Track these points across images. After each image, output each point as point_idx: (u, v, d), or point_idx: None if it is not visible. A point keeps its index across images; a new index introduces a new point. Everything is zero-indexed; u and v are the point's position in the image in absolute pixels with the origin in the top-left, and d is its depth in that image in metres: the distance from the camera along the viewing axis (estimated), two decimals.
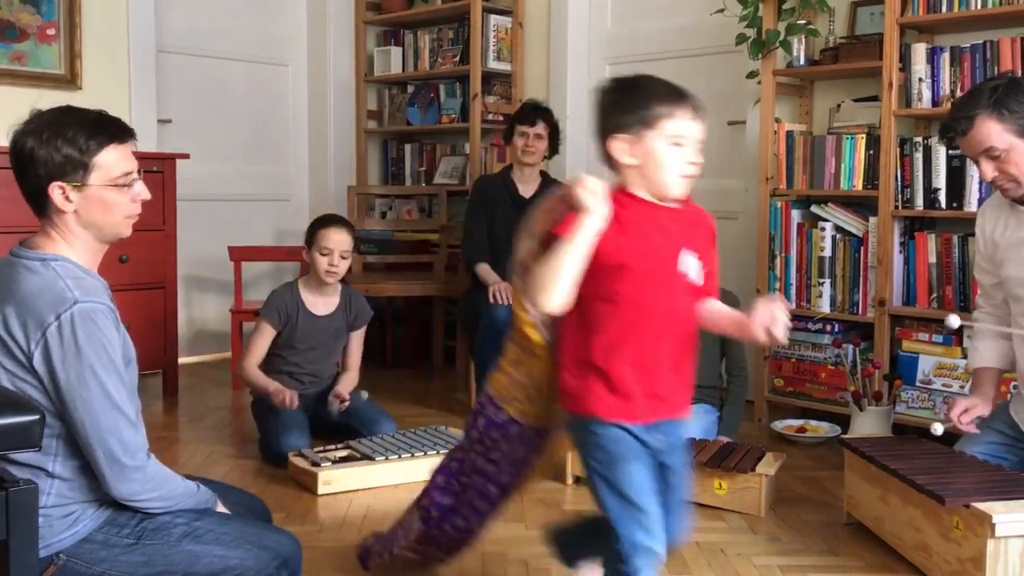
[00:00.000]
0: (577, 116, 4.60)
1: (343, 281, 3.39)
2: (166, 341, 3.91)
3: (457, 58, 4.78)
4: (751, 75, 3.65)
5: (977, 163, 2.23)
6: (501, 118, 4.66)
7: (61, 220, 1.74)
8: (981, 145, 2.17)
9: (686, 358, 1.72)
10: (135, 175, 1.78)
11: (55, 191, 1.71)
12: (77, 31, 4.05)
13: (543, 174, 3.89)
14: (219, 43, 4.81)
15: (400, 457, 2.87)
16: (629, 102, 1.65)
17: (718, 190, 4.14)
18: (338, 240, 3.19)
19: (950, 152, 3.18)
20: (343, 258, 3.21)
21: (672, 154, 1.65)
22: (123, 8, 4.23)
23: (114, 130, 1.76)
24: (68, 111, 1.75)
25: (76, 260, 1.74)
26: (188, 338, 4.61)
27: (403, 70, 5.03)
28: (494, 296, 3.51)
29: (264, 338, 3.24)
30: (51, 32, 4.01)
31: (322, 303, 3.30)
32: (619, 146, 1.66)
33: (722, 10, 3.63)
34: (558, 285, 1.61)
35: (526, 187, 3.82)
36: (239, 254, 4.32)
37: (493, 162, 4.66)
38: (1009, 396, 2.58)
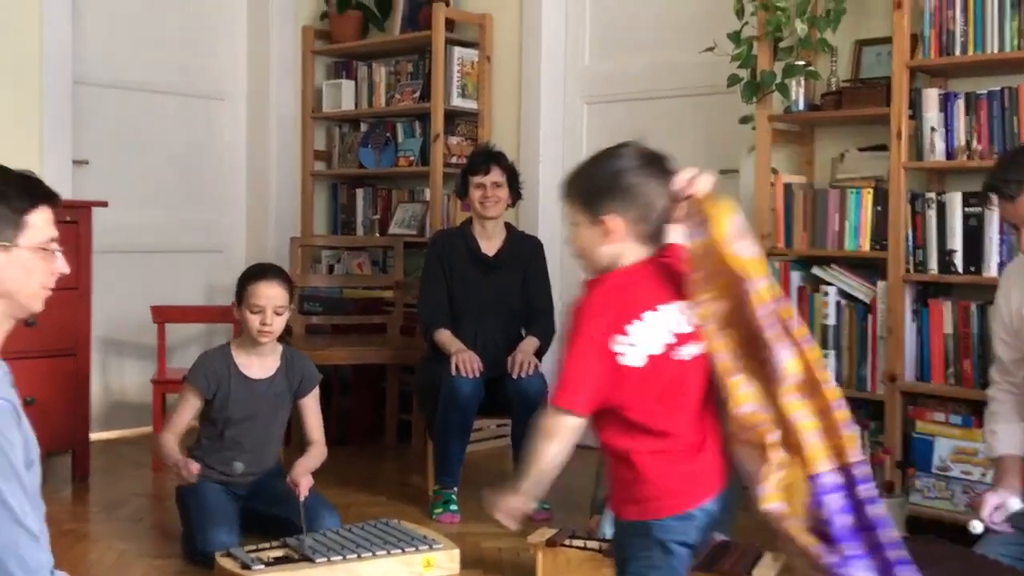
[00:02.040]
0: (551, 160, 4.61)
1: (284, 341, 3.33)
2: (77, 416, 3.82)
3: (417, 94, 4.79)
4: (744, 120, 3.68)
5: (1017, 230, 2.24)
6: (464, 161, 4.66)
7: None
8: None
9: None
10: (57, 245, 1.79)
11: None
12: None
13: (508, 227, 3.87)
14: (144, 74, 4.79)
15: (344, 558, 2.80)
16: None
17: None
18: (271, 295, 3.15)
19: (967, 210, 3.20)
20: (277, 314, 3.17)
21: None
22: (35, 33, 4.19)
23: (45, 191, 1.78)
24: None
25: None
26: (102, 411, 4.51)
27: (356, 106, 5.03)
28: (456, 367, 3.47)
29: (189, 407, 3.19)
30: None
31: (258, 365, 3.25)
32: None
33: (712, 48, 3.66)
34: None
35: (489, 243, 3.79)
36: (163, 315, 4.25)
37: (456, 210, 4.65)
38: None
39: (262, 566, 2.74)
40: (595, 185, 1.80)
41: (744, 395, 1.73)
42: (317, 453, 3.29)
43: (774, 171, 3.63)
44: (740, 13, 3.58)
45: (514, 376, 3.50)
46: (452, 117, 4.71)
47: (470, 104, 4.71)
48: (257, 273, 3.23)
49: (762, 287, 1.71)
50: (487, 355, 3.57)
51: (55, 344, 3.70)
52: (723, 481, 1.78)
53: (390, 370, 4.55)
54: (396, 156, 4.92)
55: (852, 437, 1.74)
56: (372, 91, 4.99)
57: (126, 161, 4.74)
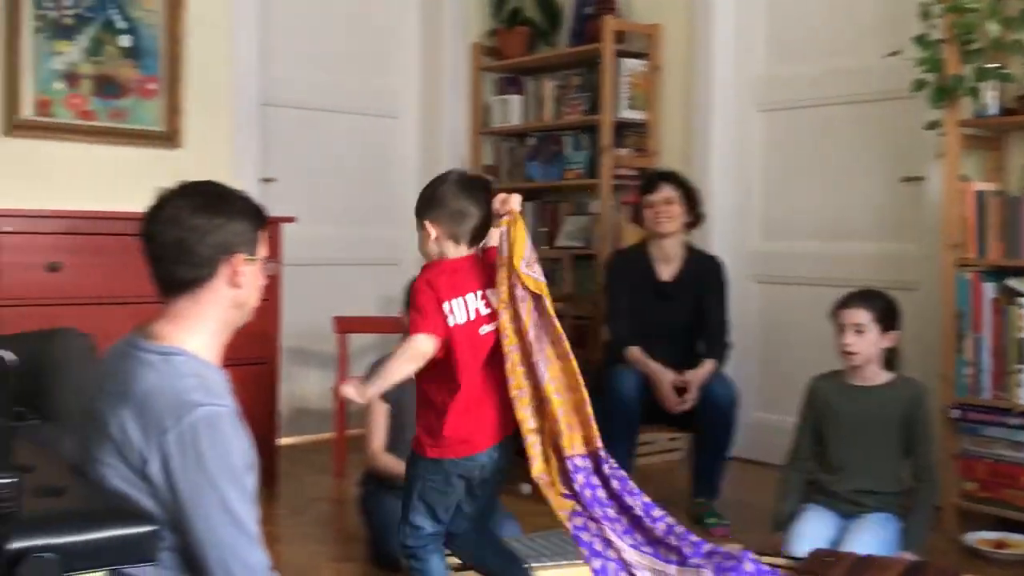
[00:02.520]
0: (722, 171, 4.56)
1: None
2: (267, 423, 3.98)
3: (585, 107, 4.82)
4: (931, 126, 3.56)
5: None
6: (634, 173, 4.66)
7: (213, 298, 1.82)
8: None
9: None
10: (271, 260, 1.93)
11: (229, 264, 1.81)
12: (179, 85, 4.25)
13: (688, 248, 3.80)
14: (325, 95, 4.99)
15: (530, 566, 2.83)
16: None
17: (890, 256, 4.03)
18: None
19: None
20: None
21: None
22: (226, 59, 4.43)
23: (262, 208, 1.91)
24: (224, 186, 1.88)
25: (199, 350, 1.81)
26: (287, 417, 4.70)
27: (524, 121, 5.10)
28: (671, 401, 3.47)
29: (381, 417, 3.28)
30: (152, 87, 4.22)
31: None
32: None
33: (897, 53, 3.56)
34: None
35: (667, 267, 3.75)
36: (345, 325, 4.40)
37: (624, 223, 4.65)
38: None
39: (451, 572, 2.79)
40: (422, 199, 2.40)
41: (517, 383, 2.28)
42: None
43: (964, 178, 3.49)
44: (926, 15, 3.46)
45: (674, 410, 3.48)
46: (620, 129, 4.72)
47: (638, 115, 4.71)
48: None
49: (549, 304, 2.31)
50: None
51: (249, 353, 3.86)
52: (501, 436, 2.34)
53: None
54: (564, 169, 4.96)
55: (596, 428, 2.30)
56: (540, 105, 5.05)
57: (309, 178, 4.93)
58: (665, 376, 3.51)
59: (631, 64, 4.68)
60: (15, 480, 1.21)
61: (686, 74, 4.64)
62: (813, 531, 2.96)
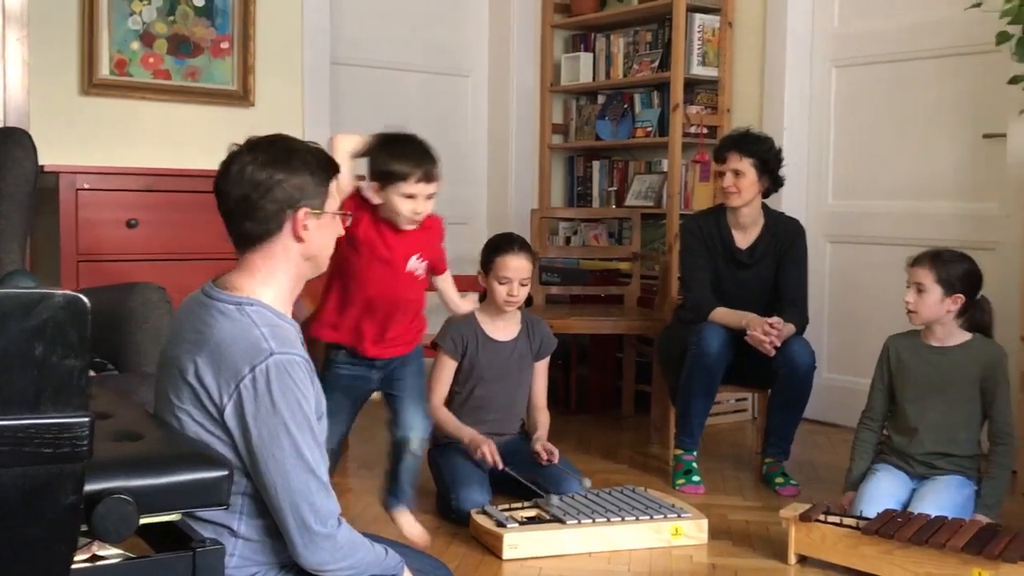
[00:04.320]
0: (796, 128, 4.48)
1: (523, 309, 3.42)
2: None
3: (656, 64, 4.76)
4: (1015, 80, 3.43)
5: None
6: (705, 131, 4.60)
7: (282, 251, 1.85)
8: None
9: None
10: (343, 211, 1.95)
11: (295, 217, 1.83)
12: (251, 44, 4.29)
13: (767, 211, 3.69)
14: (395, 53, 5.00)
15: (594, 521, 2.85)
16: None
17: (969, 215, 3.93)
18: (518, 267, 3.24)
19: None
20: (523, 285, 3.26)
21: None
22: (298, 18, 4.46)
23: (333, 162, 1.92)
24: (294, 139, 1.89)
25: (271, 302, 1.84)
26: None
27: (593, 78, 5.06)
28: (765, 335, 3.39)
29: (446, 371, 3.32)
30: (225, 46, 4.27)
31: (502, 329, 3.36)
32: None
33: (979, 4, 3.44)
34: None
35: (744, 235, 3.66)
36: None
37: (695, 182, 4.60)
38: None
39: (516, 524, 2.83)
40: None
41: None
42: (546, 420, 3.38)
43: None
44: None
45: (768, 348, 3.40)
46: (691, 86, 4.65)
47: (710, 72, 4.64)
48: (505, 245, 3.31)
49: None
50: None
51: None
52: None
53: (627, 340, 4.56)
54: (633, 127, 4.91)
55: None
56: (610, 63, 5.00)
57: None
58: (757, 317, 3.45)
59: (703, 19, 4.60)
60: (88, 419, 1.25)
61: (759, 29, 4.55)
62: (883, 491, 2.92)
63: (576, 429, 4.33)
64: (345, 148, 2.55)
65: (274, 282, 1.86)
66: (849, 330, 4.35)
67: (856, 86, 4.35)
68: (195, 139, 4.16)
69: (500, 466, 3.11)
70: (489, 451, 3.13)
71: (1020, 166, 3.53)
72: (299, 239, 1.84)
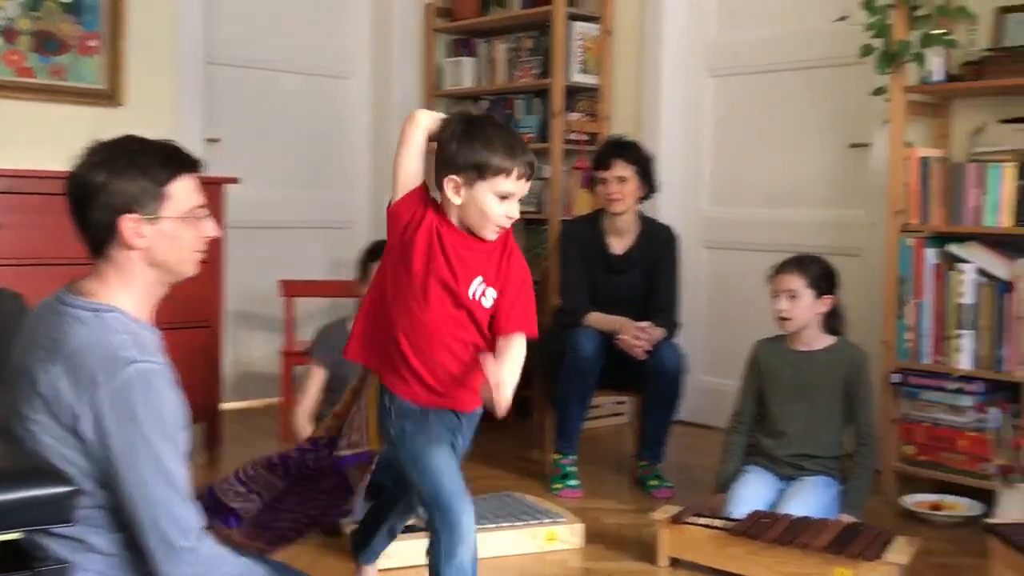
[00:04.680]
0: (674, 136, 4.56)
1: None
2: (209, 386, 3.95)
3: (537, 70, 4.79)
4: (878, 91, 3.57)
5: None
6: (586, 138, 4.64)
7: (124, 259, 1.78)
8: None
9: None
10: (205, 210, 1.85)
11: (126, 225, 1.75)
12: (121, 42, 4.16)
13: (642, 218, 3.76)
14: (273, 53, 4.91)
15: None
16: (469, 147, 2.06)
17: (837, 222, 4.06)
18: None
19: None
20: None
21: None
22: (172, 16, 4.34)
23: (185, 159, 1.82)
24: (133, 140, 1.81)
25: (129, 309, 1.78)
26: (232, 381, 4.66)
27: (476, 83, 5.06)
28: (636, 340, 3.45)
29: (315, 381, 3.26)
30: (93, 43, 4.13)
31: None
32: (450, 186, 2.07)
33: (845, 18, 3.56)
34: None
35: (619, 240, 3.72)
36: (291, 288, 4.36)
37: (575, 188, 4.63)
38: None
39: None
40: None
41: None
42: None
43: (908, 144, 3.51)
44: None
45: (639, 352, 3.45)
46: (572, 93, 4.69)
47: (591, 79, 4.69)
48: (379, 251, 3.27)
49: None
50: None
51: (190, 316, 3.82)
52: None
53: None
54: None
55: None
56: (492, 68, 5.01)
57: (256, 139, 4.86)
58: (629, 322, 3.50)
59: (583, 27, 4.65)
60: None
61: (638, 38, 4.62)
62: (752, 493, 2.98)
63: None
64: (425, 125, 2.09)
65: (128, 288, 1.79)
66: (724, 334, 4.44)
67: (731, 95, 4.45)
68: (60, 140, 3.95)
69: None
70: None
71: (883, 175, 3.66)
72: (131, 247, 1.77)
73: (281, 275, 4.46)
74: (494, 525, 2.87)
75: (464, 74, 5.07)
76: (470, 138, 2.04)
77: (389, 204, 2.09)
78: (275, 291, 4.38)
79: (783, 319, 3.05)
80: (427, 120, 2.09)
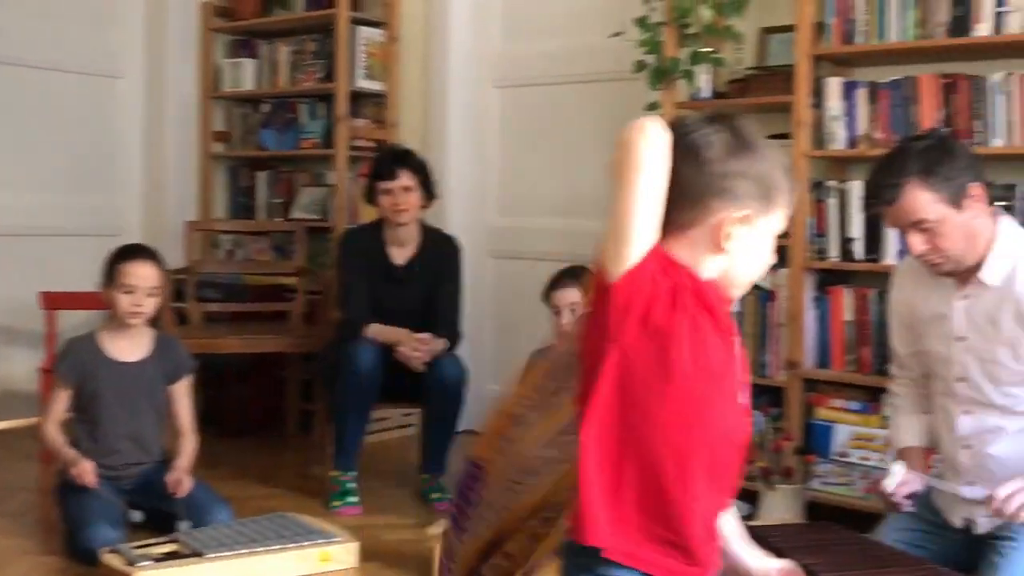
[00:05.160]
0: (460, 146, 4.56)
1: (156, 326, 3.25)
2: None
3: (321, 74, 4.69)
4: (651, 107, 3.67)
5: (904, 234, 2.23)
6: (372, 144, 4.58)
7: None
8: (910, 217, 2.17)
9: None
10: None
11: None
12: None
13: (424, 229, 3.73)
14: (37, 50, 4.61)
15: (236, 553, 2.72)
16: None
17: None
18: (143, 274, 3.08)
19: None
20: (150, 296, 3.09)
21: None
22: None
23: None
24: None
25: None
26: None
27: (257, 86, 4.92)
28: (415, 352, 3.40)
29: (60, 399, 3.11)
30: None
31: (127, 349, 3.16)
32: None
33: (619, 33, 3.65)
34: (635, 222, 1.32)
35: (400, 251, 3.67)
36: (52, 301, 4.10)
37: (360, 195, 4.56)
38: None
39: (149, 562, 2.65)
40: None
41: None
42: (190, 448, 3.20)
43: None
44: None
45: (417, 364, 3.42)
46: (358, 98, 4.62)
47: (376, 85, 4.63)
48: (128, 253, 3.15)
49: None
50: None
51: None
52: None
53: (291, 359, 4.45)
54: (299, 138, 4.80)
55: None
56: (274, 71, 4.87)
57: (14, 141, 4.57)
58: (408, 333, 3.46)
59: (368, 32, 4.58)
60: None
61: (423, 46, 4.59)
62: None
63: (234, 453, 4.16)
64: (666, 139, 1.34)
65: None
66: (511, 343, 4.47)
67: (516, 107, 4.49)
68: None
69: (91, 483, 2.95)
70: (85, 474, 2.95)
71: None
72: None
73: (43, 287, 4.18)
74: (263, 548, 2.76)
75: (245, 76, 4.92)
76: (746, 150, 1.38)
77: (601, 274, 1.35)
78: (35, 304, 4.10)
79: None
80: (663, 131, 1.34)
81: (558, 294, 3.08)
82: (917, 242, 2.19)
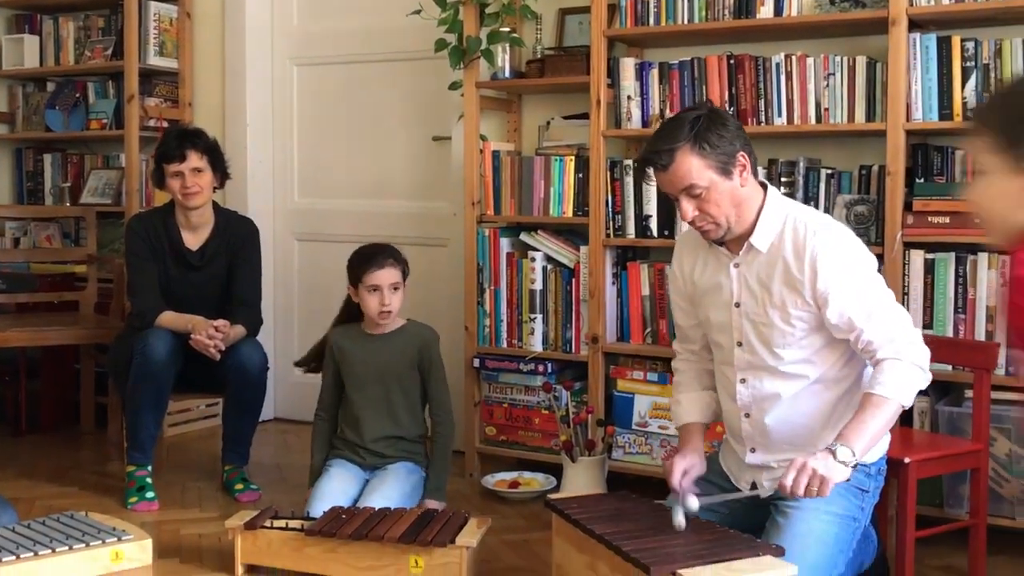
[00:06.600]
0: (260, 125, 4.43)
1: None
2: None
3: (109, 51, 4.46)
4: (453, 86, 3.67)
5: (676, 201, 2.30)
6: (165, 124, 4.39)
7: None
8: (682, 182, 2.24)
9: None
10: None
11: None
12: None
13: (217, 211, 3.58)
14: None
15: (18, 557, 2.55)
16: None
17: (424, 214, 4.13)
18: None
19: None
20: None
21: None
22: None
23: None
24: None
25: None
26: None
27: (41, 64, 4.64)
28: (210, 339, 3.25)
29: None
30: None
31: None
32: None
33: (418, 11, 3.62)
34: None
35: (194, 235, 3.52)
36: None
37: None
38: (715, 446, 2.71)
39: None
40: None
41: None
42: None
43: (483, 138, 3.64)
44: None
45: (212, 352, 3.30)
46: (149, 77, 4.42)
47: (170, 63, 4.44)
48: None
49: None
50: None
51: None
52: None
53: (84, 350, 4.22)
54: (87, 119, 4.55)
55: None
56: (59, 47, 4.60)
57: None
58: (202, 320, 3.32)
59: (159, 8, 4.38)
60: None
61: (219, 22, 4.43)
62: (334, 489, 2.96)
63: (26, 451, 3.94)
64: None
65: None
66: (317, 327, 4.33)
67: (317, 86, 4.39)
68: None
69: None
70: None
71: (462, 167, 3.77)
72: None
73: None
74: (49, 550, 2.60)
75: (27, 53, 4.62)
76: None
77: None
78: None
79: (389, 312, 3.05)
80: None
81: (379, 274, 3.03)
82: (688, 208, 2.27)
